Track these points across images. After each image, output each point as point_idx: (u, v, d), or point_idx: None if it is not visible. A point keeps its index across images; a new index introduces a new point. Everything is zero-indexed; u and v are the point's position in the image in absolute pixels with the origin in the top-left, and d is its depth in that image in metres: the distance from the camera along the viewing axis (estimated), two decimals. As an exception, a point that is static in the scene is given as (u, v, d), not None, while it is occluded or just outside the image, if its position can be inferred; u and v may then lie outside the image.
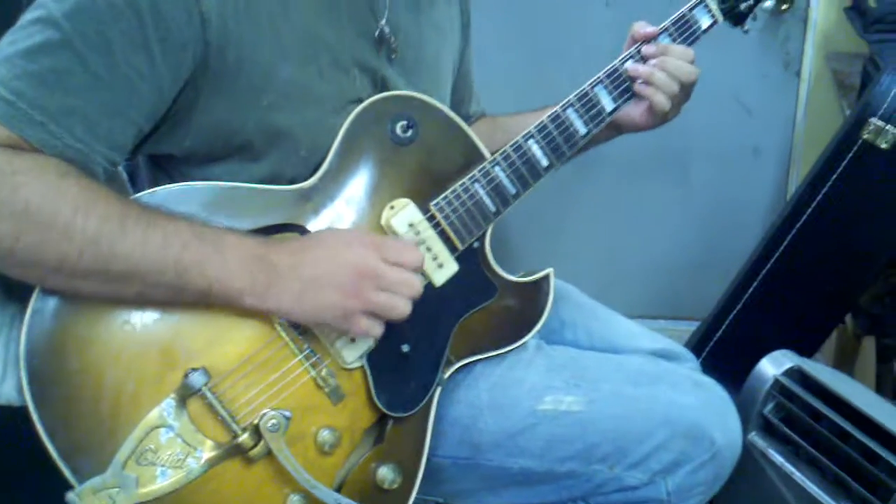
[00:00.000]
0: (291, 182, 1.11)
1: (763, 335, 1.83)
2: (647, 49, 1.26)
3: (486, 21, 2.34)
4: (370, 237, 1.08)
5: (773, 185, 2.45)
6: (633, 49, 1.26)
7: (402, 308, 1.05)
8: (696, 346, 1.92)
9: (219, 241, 0.99)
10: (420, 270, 1.09)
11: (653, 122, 1.30)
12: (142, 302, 0.99)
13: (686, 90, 1.27)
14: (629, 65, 1.26)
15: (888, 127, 1.48)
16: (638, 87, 1.26)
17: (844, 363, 2.12)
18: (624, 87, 1.26)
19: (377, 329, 1.05)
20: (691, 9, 1.29)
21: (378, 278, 1.03)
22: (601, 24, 2.28)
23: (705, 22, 1.30)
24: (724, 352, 1.88)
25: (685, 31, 1.28)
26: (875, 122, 1.50)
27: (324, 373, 1.07)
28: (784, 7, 2.20)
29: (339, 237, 1.07)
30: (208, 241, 0.98)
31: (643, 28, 1.26)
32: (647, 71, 1.24)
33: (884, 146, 1.50)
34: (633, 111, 1.29)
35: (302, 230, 1.09)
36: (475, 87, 1.50)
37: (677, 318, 2.53)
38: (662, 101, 1.25)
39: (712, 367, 1.83)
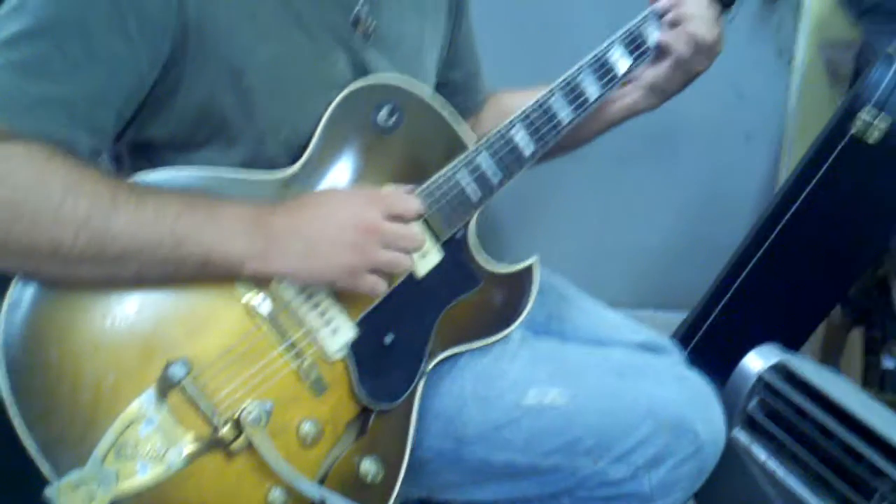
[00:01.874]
0: (271, 165, 1.10)
1: (751, 326, 1.83)
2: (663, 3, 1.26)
3: (477, 7, 2.33)
4: (367, 192, 1.07)
5: (764, 172, 2.45)
6: (621, 32, 1.25)
7: (407, 262, 1.06)
8: (685, 336, 1.92)
9: (211, 208, 0.98)
10: (421, 217, 1.09)
11: (682, 76, 1.29)
12: (140, 281, 0.98)
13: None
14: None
15: (877, 120, 1.48)
16: (662, 37, 1.25)
17: (832, 354, 2.13)
18: (610, 75, 1.24)
19: (382, 286, 1.06)
20: None
21: (382, 233, 1.04)
22: (594, 9, 2.27)
23: None
24: (713, 342, 1.88)
25: None
26: (864, 115, 1.49)
27: (306, 364, 1.07)
28: (777, -7, 2.22)
29: (335, 195, 1.07)
30: (200, 209, 0.97)
31: None
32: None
33: (871, 141, 1.50)
34: (661, 68, 1.28)
35: None
36: (481, 63, 1.49)
37: (666, 308, 2.53)
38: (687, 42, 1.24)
39: (700, 357, 1.83)
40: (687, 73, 1.28)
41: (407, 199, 1.09)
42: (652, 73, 1.30)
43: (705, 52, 1.26)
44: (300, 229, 1.01)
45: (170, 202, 0.96)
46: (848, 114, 1.52)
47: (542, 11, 2.34)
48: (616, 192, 2.51)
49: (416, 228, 1.08)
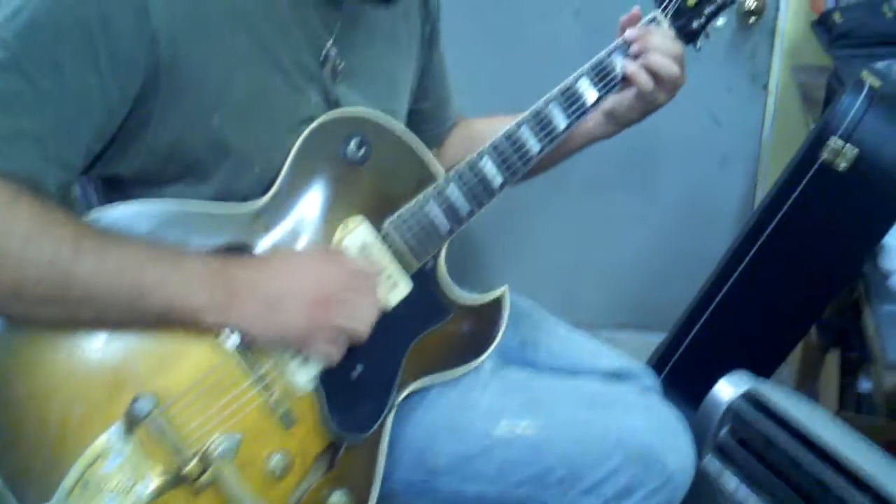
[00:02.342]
0: (244, 198, 1.10)
1: (727, 349, 1.83)
2: (629, 34, 1.26)
3: (455, 31, 2.35)
4: (333, 257, 1.08)
5: (740, 195, 2.47)
6: (590, 63, 1.26)
7: (363, 332, 1.07)
8: (661, 359, 1.92)
9: (176, 260, 0.99)
10: (376, 286, 1.10)
11: (643, 107, 1.29)
12: (99, 325, 0.98)
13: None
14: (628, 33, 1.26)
15: (847, 147, 1.49)
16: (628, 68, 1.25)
17: (809, 375, 2.13)
18: (578, 105, 1.25)
19: (336, 352, 1.06)
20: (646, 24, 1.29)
21: (341, 301, 1.04)
22: (570, 35, 2.29)
23: None
24: (688, 366, 1.88)
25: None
26: (834, 141, 1.50)
27: (275, 396, 1.06)
28: (752, 20, 2.25)
29: (301, 255, 1.08)
30: (165, 260, 0.98)
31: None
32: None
33: (842, 168, 1.51)
34: (623, 97, 1.28)
35: (251, 250, 1.08)
36: (452, 92, 1.49)
37: (644, 329, 2.53)
38: (647, 81, 1.24)
39: (677, 381, 1.84)
40: (648, 104, 1.28)
41: (370, 272, 1.10)
42: (612, 101, 1.30)
43: (667, 86, 1.26)
44: (261, 287, 1.02)
45: (136, 251, 0.97)
46: (818, 140, 1.53)
47: (520, 33, 2.36)
48: (594, 215, 2.53)
49: (375, 301, 1.10)
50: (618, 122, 1.33)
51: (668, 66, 1.23)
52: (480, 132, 1.40)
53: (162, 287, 0.97)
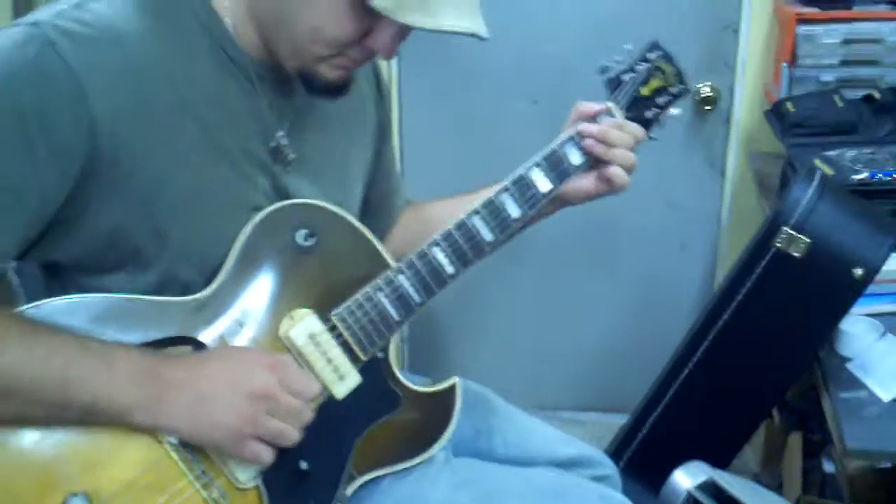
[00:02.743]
0: (185, 288, 1.08)
1: (688, 433, 1.82)
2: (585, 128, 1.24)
3: (417, 113, 2.37)
4: (270, 359, 1.06)
5: (699, 278, 2.50)
6: (538, 156, 1.24)
7: (293, 436, 1.04)
8: (621, 443, 1.90)
9: (106, 356, 0.97)
10: (315, 401, 1.07)
11: (604, 190, 1.27)
12: (22, 421, 0.96)
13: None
14: (583, 126, 1.23)
15: (799, 236, 1.50)
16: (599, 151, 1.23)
17: (772, 458, 2.12)
18: (529, 194, 1.23)
19: (267, 455, 1.03)
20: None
21: (274, 404, 1.02)
22: (528, 121, 2.31)
23: None
24: (649, 450, 1.87)
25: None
26: (787, 230, 1.51)
27: (215, 494, 1.03)
28: (708, 108, 2.29)
29: (237, 355, 1.05)
30: (94, 355, 0.96)
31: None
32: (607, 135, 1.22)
33: (796, 255, 1.52)
34: (584, 182, 1.26)
35: (195, 342, 1.06)
36: (400, 181, 1.48)
37: (606, 411, 2.52)
38: (621, 172, 1.23)
39: (637, 466, 1.82)
40: (603, 194, 1.28)
41: (308, 379, 1.07)
42: (566, 188, 1.27)
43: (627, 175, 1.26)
44: (193, 385, 1.00)
45: (64, 344, 0.95)
46: (772, 229, 1.55)
47: (479, 119, 2.38)
48: (555, 299, 2.53)
49: (308, 407, 1.06)
50: (561, 204, 1.30)
51: (630, 159, 1.23)
52: (430, 216, 1.38)
53: (90, 382, 0.95)
